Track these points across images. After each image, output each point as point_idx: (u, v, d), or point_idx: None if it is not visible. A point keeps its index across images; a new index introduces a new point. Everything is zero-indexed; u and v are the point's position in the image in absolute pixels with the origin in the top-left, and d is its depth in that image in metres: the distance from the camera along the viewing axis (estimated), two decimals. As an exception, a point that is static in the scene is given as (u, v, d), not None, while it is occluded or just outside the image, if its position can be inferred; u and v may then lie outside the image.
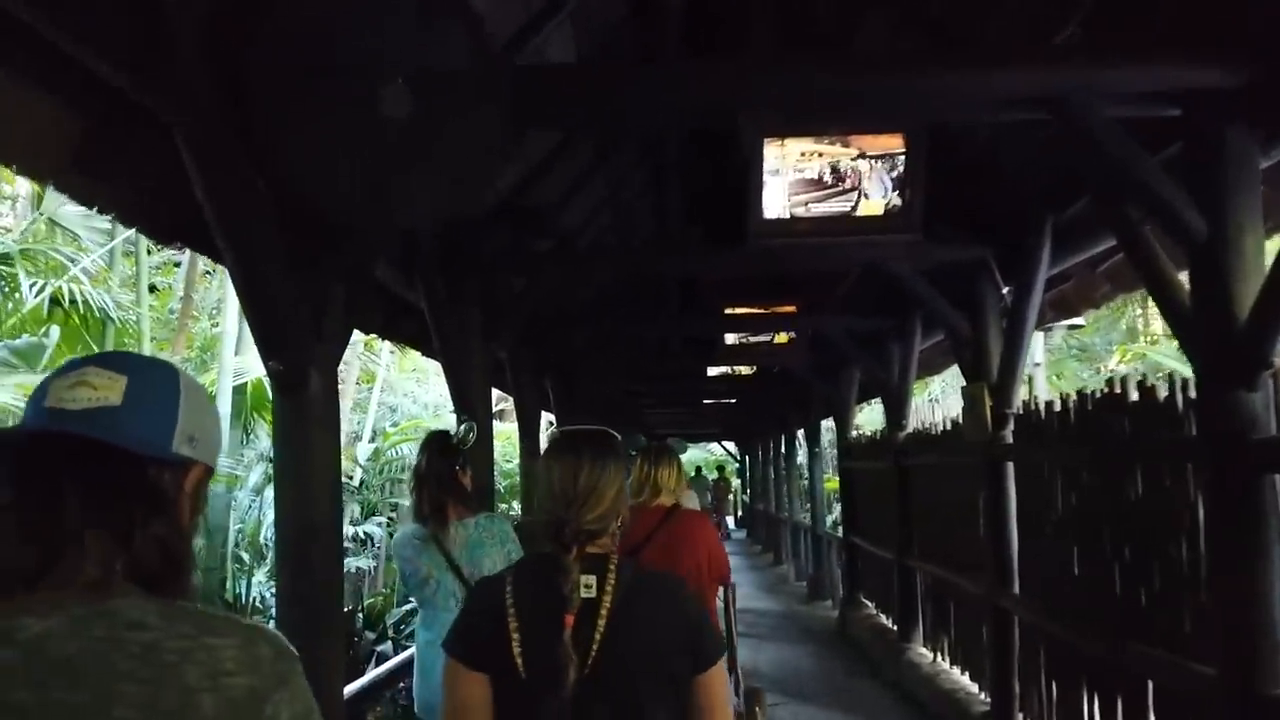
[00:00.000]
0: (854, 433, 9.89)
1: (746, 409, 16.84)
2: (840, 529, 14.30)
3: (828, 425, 14.28)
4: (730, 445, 27.86)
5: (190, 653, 0.84)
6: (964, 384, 5.59)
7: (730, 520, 24.74)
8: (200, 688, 0.83)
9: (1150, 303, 13.32)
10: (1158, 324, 13.26)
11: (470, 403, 5.59)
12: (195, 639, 0.85)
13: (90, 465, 0.88)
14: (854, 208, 5.06)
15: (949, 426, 6.50)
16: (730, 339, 9.30)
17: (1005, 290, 5.16)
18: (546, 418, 10.80)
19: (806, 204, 5.14)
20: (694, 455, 33.50)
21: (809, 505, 14.42)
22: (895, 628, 7.86)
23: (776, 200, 5.14)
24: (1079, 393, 4.27)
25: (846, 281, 7.57)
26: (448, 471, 3.05)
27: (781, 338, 8.97)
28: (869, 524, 9.13)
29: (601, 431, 1.79)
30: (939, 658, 6.75)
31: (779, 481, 17.31)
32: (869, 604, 9.31)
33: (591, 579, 1.60)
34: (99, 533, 0.87)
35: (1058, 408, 4.46)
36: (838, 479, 18.90)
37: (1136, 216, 3.50)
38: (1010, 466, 5.10)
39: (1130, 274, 4.66)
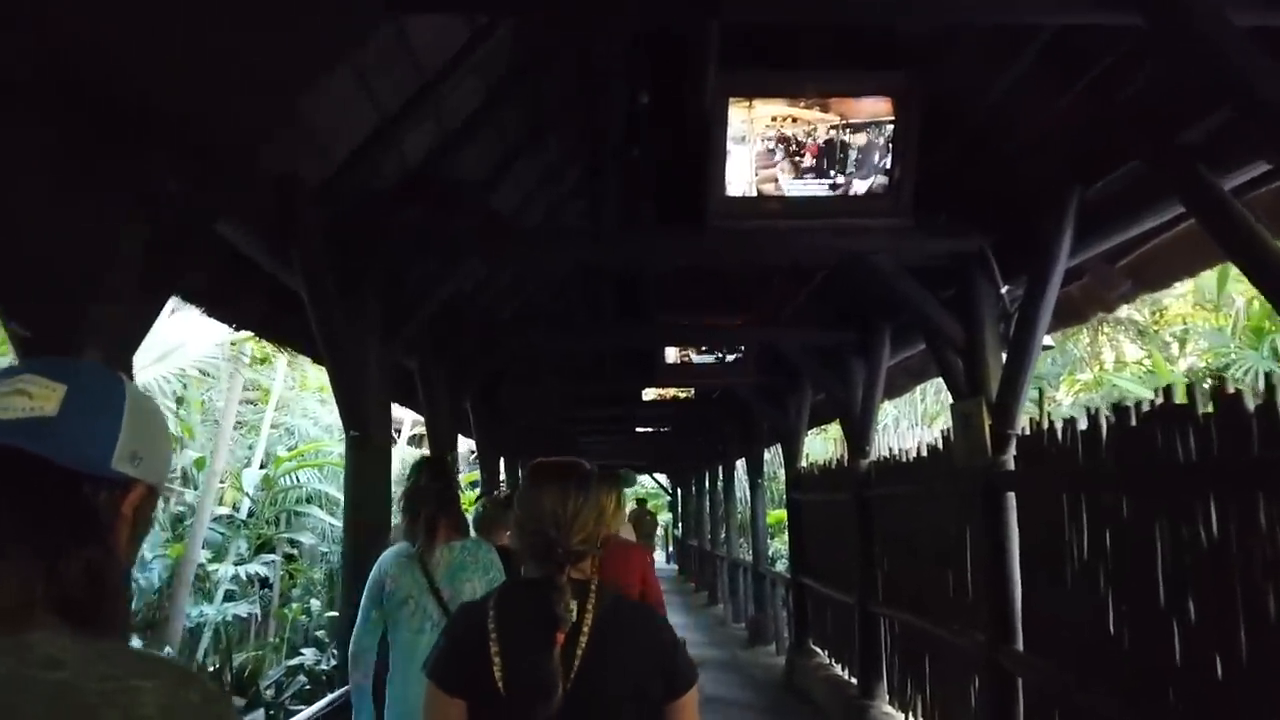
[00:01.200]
0: (804, 462, 9.08)
1: (681, 437, 15.98)
2: (785, 567, 13.47)
3: (769, 456, 13.55)
4: (662, 477, 26.94)
5: (110, 696, 0.75)
6: (952, 402, 4.81)
7: (658, 557, 23.78)
8: None
9: (1101, 329, 13.04)
10: (1109, 352, 12.92)
11: (363, 418, 4.49)
12: (118, 681, 0.76)
13: (16, 480, 0.81)
14: (833, 187, 4.27)
15: (924, 453, 5.72)
16: (671, 356, 8.46)
17: (1004, 290, 4.41)
18: (465, 444, 9.74)
19: (776, 180, 4.33)
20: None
21: (744, 541, 13.64)
22: (855, 681, 7.00)
23: (741, 174, 4.29)
24: (1115, 406, 3.48)
25: (806, 288, 6.80)
26: (446, 492, 2.98)
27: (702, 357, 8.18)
28: (822, 563, 8.29)
29: (578, 462, 1.88)
30: (910, 719, 5.90)
31: (715, 515, 16.42)
32: (820, 652, 8.45)
33: (573, 603, 1.66)
34: (20, 555, 0.79)
35: (1083, 425, 3.68)
36: (784, 512, 18.14)
37: (1212, 178, 2.76)
38: (1012, 498, 4.31)
39: (1165, 265, 3.94)
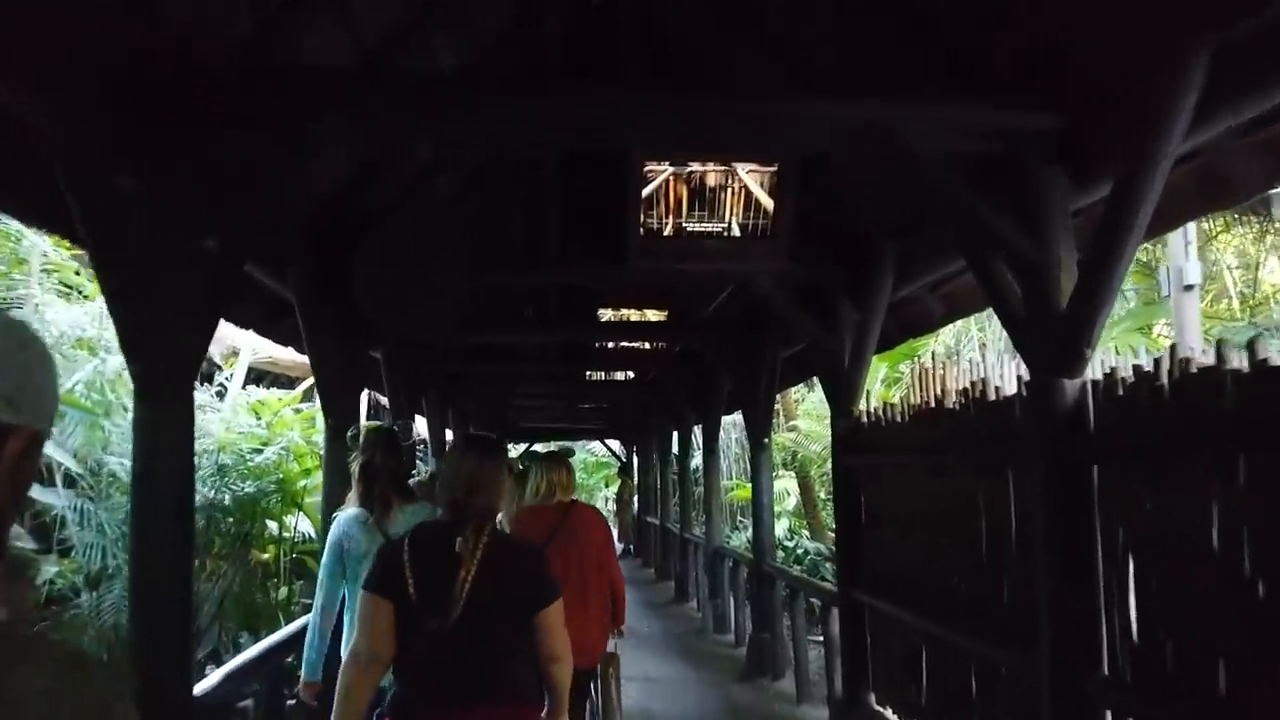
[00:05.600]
0: (866, 406, 5.54)
1: (648, 389, 12.39)
2: (754, 555, 9.99)
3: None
4: (614, 444, 23.39)
5: None
6: None
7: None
8: None
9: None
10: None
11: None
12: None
13: None
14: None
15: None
16: (652, 222, 4.89)
17: None
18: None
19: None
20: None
21: (720, 520, 10.20)
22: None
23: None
24: None
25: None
26: (396, 468, 3.48)
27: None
28: (909, 575, 4.77)
29: (495, 439, 2.80)
30: None
31: (686, 488, 12.86)
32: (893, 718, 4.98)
33: (470, 545, 2.35)
34: None
35: None
36: (822, 483, 14.50)
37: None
38: None
39: None
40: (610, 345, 9.37)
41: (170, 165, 2.94)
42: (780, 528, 14.86)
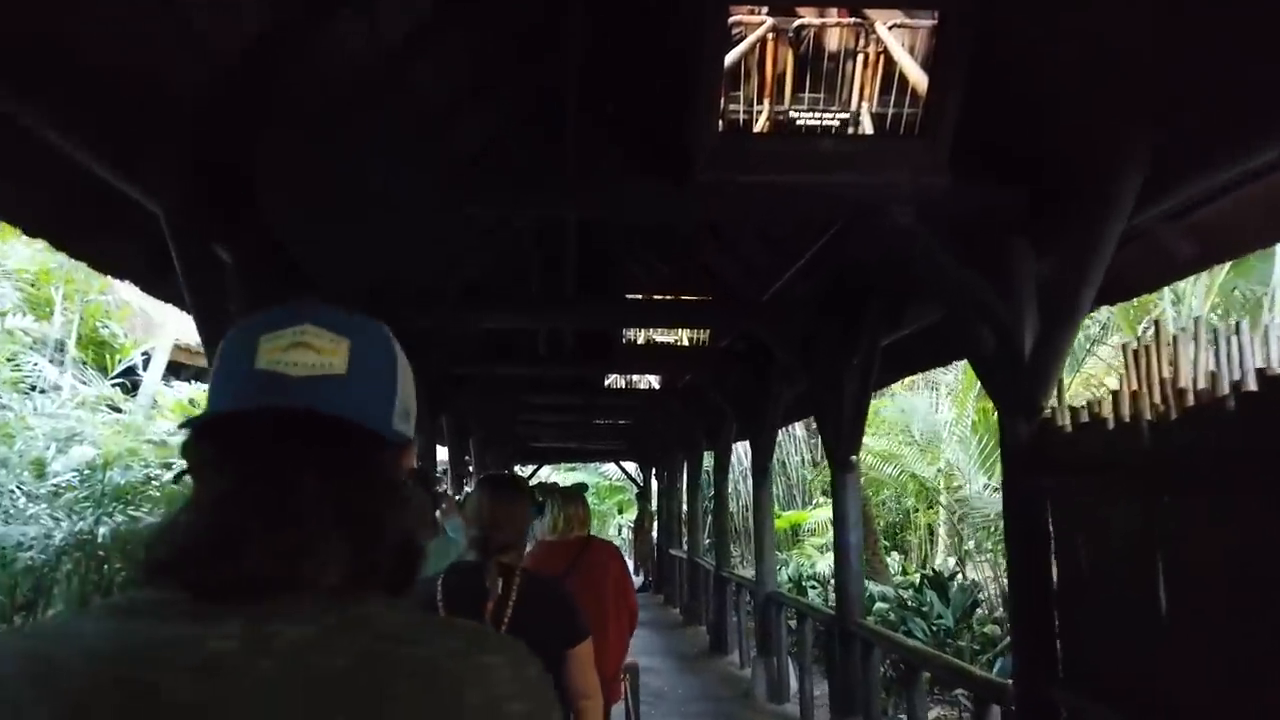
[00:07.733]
0: (1059, 404, 3.60)
1: (676, 398, 10.48)
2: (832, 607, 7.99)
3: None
4: (630, 467, 21.42)
5: (465, 674, 0.71)
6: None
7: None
8: (481, 715, 0.70)
9: None
10: None
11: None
12: (467, 656, 0.72)
13: (327, 447, 0.73)
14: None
15: None
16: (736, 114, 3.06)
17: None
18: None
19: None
20: (578, 479, 26.87)
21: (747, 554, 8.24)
22: None
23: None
24: None
25: None
26: (429, 504, 3.61)
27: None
28: (1194, 677, 2.79)
29: (513, 475, 3.07)
30: None
31: (723, 517, 10.86)
32: None
33: (500, 580, 2.36)
34: (342, 527, 0.72)
35: None
36: (803, 514, 12.92)
37: None
38: None
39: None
40: (639, 340, 7.49)
41: None
42: (824, 563, 12.89)
